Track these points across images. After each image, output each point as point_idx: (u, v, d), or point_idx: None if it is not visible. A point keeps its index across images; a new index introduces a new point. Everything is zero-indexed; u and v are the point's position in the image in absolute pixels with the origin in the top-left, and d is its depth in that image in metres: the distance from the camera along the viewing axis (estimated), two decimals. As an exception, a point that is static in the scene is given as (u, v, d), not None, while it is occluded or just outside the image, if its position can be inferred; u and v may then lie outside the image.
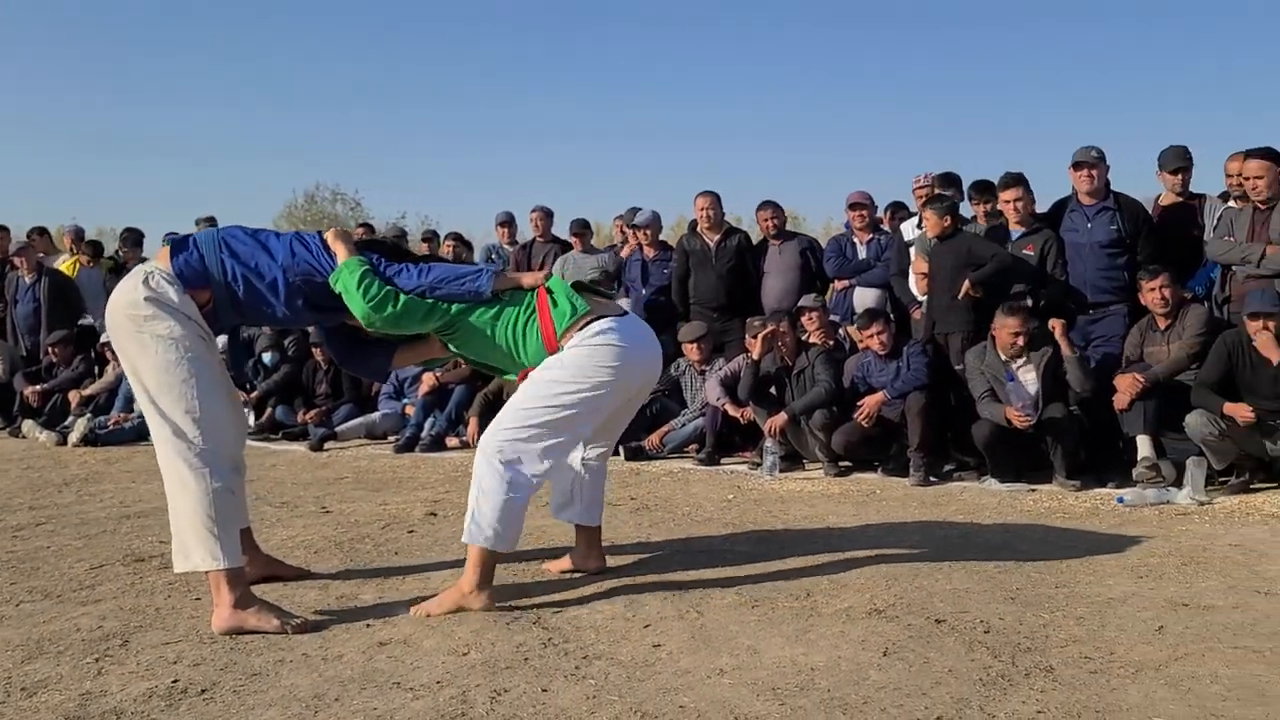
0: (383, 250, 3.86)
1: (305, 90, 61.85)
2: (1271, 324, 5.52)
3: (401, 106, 63.76)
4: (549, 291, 3.82)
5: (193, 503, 3.47)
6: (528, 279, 3.88)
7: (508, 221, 9.92)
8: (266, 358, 9.08)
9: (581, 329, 3.73)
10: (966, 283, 6.41)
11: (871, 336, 6.69)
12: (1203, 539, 4.63)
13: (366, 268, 3.65)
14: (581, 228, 9.26)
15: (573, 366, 3.70)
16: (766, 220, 8.14)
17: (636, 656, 3.18)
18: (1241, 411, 5.48)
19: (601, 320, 3.75)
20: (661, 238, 8.89)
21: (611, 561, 4.33)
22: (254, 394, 8.85)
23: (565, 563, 4.25)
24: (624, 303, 8.09)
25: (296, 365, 9.05)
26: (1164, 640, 3.26)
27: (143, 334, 3.53)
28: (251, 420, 8.73)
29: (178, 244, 3.73)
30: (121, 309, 3.59)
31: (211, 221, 9.99)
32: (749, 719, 2.69)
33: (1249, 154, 6.15)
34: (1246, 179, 6.10)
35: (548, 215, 9.43)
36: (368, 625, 3.51)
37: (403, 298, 3.66)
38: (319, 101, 62.36)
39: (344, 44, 63.17)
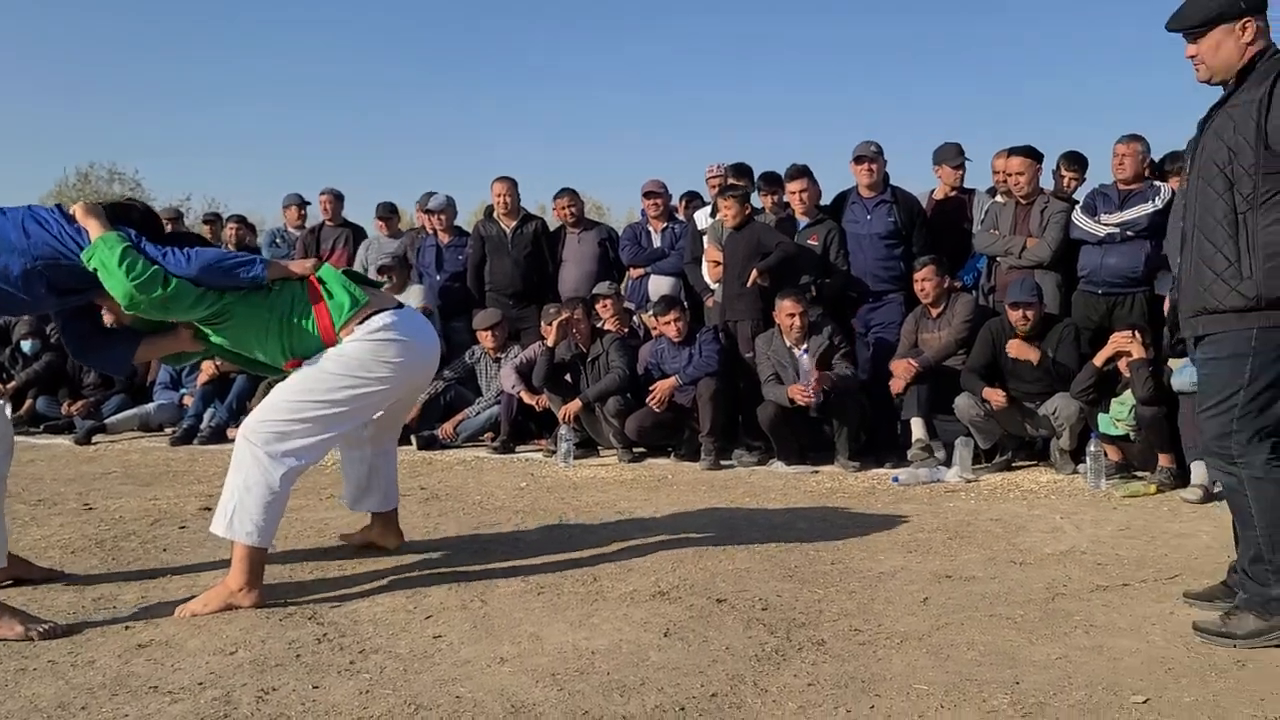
0: (136, 221, 3.58)
1: (78, 63, 57.70)
2: (1031, 313, 5.89)
3: (186, 84, 60.34)
4: (321, 282, 3.68)
5: None
6: (297, 268, 3.72)
7: (296, 204, 9.53)
8: (26, 345, 8.44)
9: (361, 322, 3.62)
10: (755, 271, 6.57)
11: (669, 323, 6.77)
12: (968, 514, 4.90)
13: (128, 244, 3.39)
14: (388, 212, 9.03)
15: (353, 361, 3.59)
16: (564, 208, 8.12)
17: (415, 648, 3.10)
18: (995, 396, 5.84)
19: (382, 314, 3.66)
20: (458, 223, 8.76)
21: (397, 553, 4.22)
22: (11, 385, 8.21)
23: (362, 538, 4.24)
24: (417, 289, 7.97)
25: (60, 353, 8.41)
26: (928, 611, 3.43)
27: None
28: (9, 412, 8.10)
29: None
30: None
31: None
32: (526, 706, 2.66)
33: (1012, 151, 6.55)
34: (1009, 175, 6.50)
35: (338, 198, 9.12)
36: (126, 628, 3.29)
37: (174, 280, 3.43)
38: (93, 76, 58.32)
39: (122, 16, 59.23)
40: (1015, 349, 5.88)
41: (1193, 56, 3.16)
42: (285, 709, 2.65)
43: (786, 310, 6.28)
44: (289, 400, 3.57)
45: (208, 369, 7.77)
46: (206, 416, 7.65)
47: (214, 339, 3.70)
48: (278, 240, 9.30)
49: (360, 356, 3.60)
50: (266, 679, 2.85)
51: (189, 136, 58.32)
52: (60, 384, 8.36)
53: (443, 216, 8.45)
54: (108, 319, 3.76)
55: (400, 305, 3.84)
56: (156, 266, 3.40)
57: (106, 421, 7.85)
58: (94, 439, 7.53)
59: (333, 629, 3.28)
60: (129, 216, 3.61)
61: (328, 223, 9.08)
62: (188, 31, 58.22)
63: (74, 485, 5.81)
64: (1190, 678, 2.80)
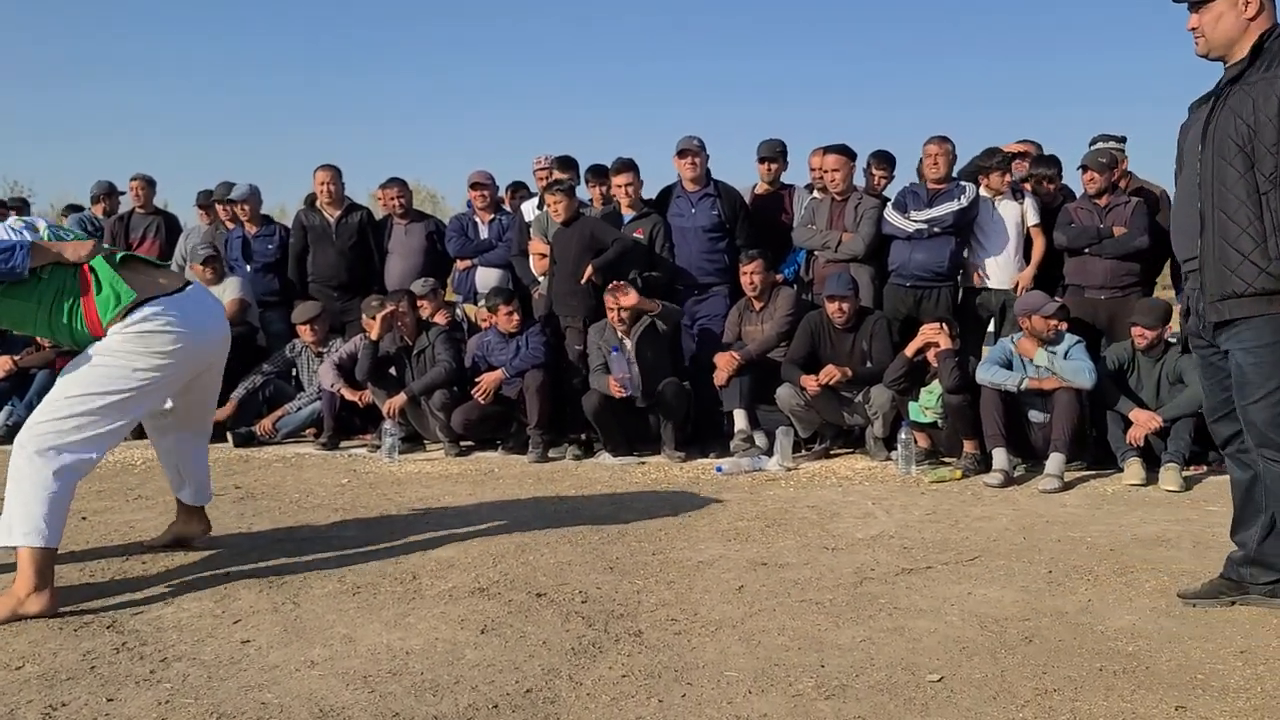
0: None
1: None
2: (847, 305, 6.11)
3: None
4: (93, 271, 3.52)
5: None
6: (70, 251, 3.53)
7: (106, 193, 9.03)
8: None
9: (124, 316, 3.49)
10: (590, 268, 6.58)
11: (505, 315, 6.70)
12: (786, 502, 5.05)
13: None
14: (208, 200, 8.65)
15: (119, 354, 3.47)
16: (392, 198, 7.96)
17: (221, 655, 3.00)
18: (810, 382, 6.03)
19: (149, 305, 3.52)
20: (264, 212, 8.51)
21: (207, 554, 4.08)
22: None
23: (168, 534, 4.16)
24: (234, 280, 7.68)
25: None
26: (743, 598, 3.52)
27: None
28: None
29: None
30: None
31: None
32: (334, 710, 2.61)
33: (827, 149, 6.77)
34: (826, 172, 6.71)
35: (150, 184, 8.70)
36: (-100, 645, 3.07)
37: None
38: None
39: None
40: (829, 376, 6.05)
41: (1194, 29, 3.15)
42: (75, 725, 2.53)
43: (611, 304, 6.33)
44: (57, 399, 3.44)
45: (4, 364, 7.29)
46: (3, 414, 7.19)
47: None
48: (88, 227, 8.79)
49: (125, 349, 3.48)
50: (56, 694, 2.71)
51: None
52: None
53: (246, 206, 8.17)
54: None
55: (183, 286, 3.70)
56: None
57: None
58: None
59: (133, 637, 3.14)
60: None
61: (139, 210, 8.64)
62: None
63: None
64: (982, 656, 2.96)
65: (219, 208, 8.52)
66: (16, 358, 7.34)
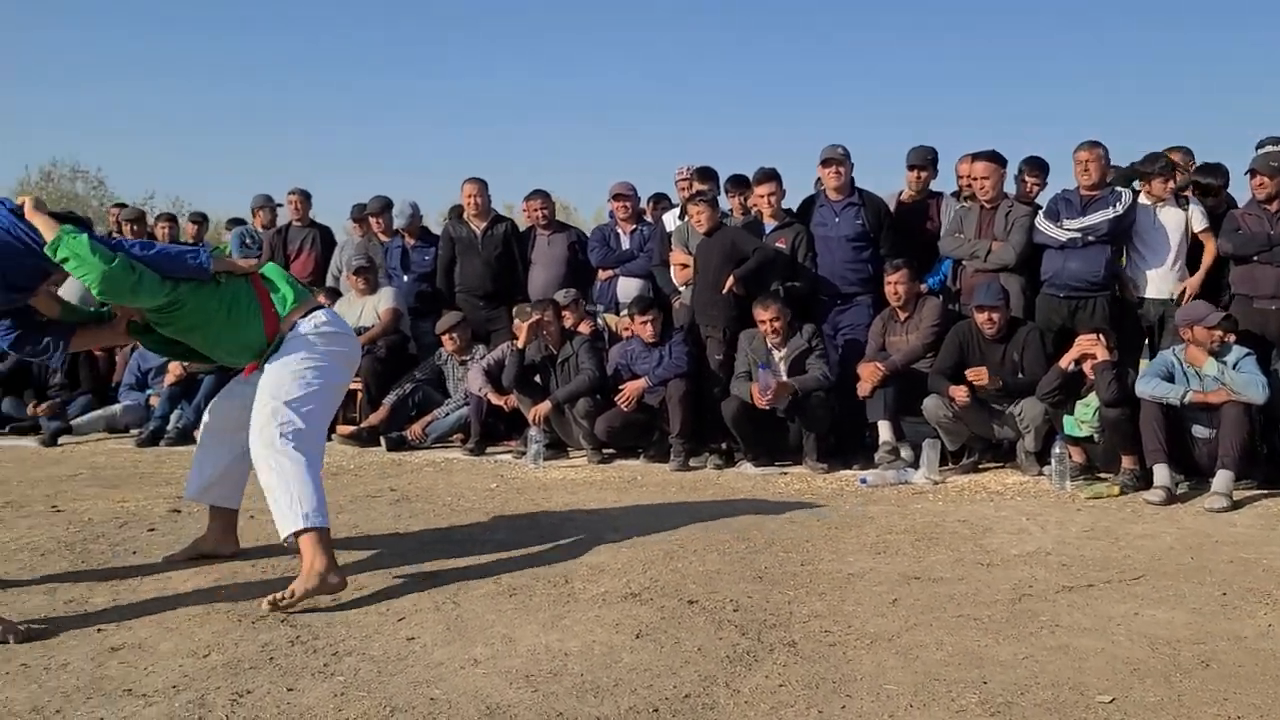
0: (77, 223, 3.67)
1: (39, 62, 56.68)
2: (997, 315, 5.97)
3: (152, 81, 59.51)
4: (264, 277, 3.87)
5: None
6: (243, 264, 3.90)
7: (265, 205, 9.47)
8: (-11, 347, 8.32)
9: (306, 315, 3.83)
10: (731, 279, 6.60)
11: (645, 324, 6.78)
12: (935, 516, 4.96)
13: (89, 236, 3.48)
14: (361, 214, 9.00)
15: (319, 350, 3.78)
16: (535, 210, 8.13)
17: (389, 650, 3.11)
18: (959, 393, 5.91)
19: (321, 310, 3.91)
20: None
21: (368, 554, 4.23)
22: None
23: (194, 549, 4.20)
24: (388, 291, 7.97)
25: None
26: (896, 612, 3.48)
27: None
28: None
29: None
30: None
31: None
32: (501, 708, 2.68)
33: (976, 156, 6.64)
34: (974, 180, 6.58)
35: (306, 198, 9.08)
36: (99, 630, 3.28)
37: (139, 267, 3.53)
38: (55, 74, 57.38)
39: (83, 12, 58.34)
40: (978, 376, 5.93)
41: None
42: (259, 712, 2.66)
43: (762, 317, 6.33)
44: (277, 397, 3.69)
45: (175, 370, 7.70)
46: (173, 418, 7.58)
47: (162, 329, 3.79)
48: (247, 240, 9.23)
49: (320, 347, 3.80)
50: (240, 681, 2.85)
51: (152, 132, 57.46)
52: (26, 385, 8.26)
53: (410, 221, 8.48)
54: (45, 307, 3.80)
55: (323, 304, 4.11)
56: (122, 254, 3.50)
57: (73, 423, 7.75)
58: (60, 440, 7.45)
59: (306, 631, 3.28)
60: (73, 219, 3.73)
61: (295, 223, 9.03)
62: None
63: (41, 487, 5.76)
64: (1155, 678, 2.86)
65: (372, 220, 8.84)
66: (186, 363, 7.75)
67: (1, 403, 8.14)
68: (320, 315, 3.88)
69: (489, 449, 7.10)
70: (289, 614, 3.43)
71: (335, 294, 8.31)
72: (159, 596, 3.61)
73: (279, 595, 3.47)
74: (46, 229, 3.45)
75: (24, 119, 52.57)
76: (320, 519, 3.59)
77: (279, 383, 3.72)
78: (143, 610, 3.45)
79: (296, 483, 3.57)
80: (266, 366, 3.77)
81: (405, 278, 8.32)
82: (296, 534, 3.55)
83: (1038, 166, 6.87)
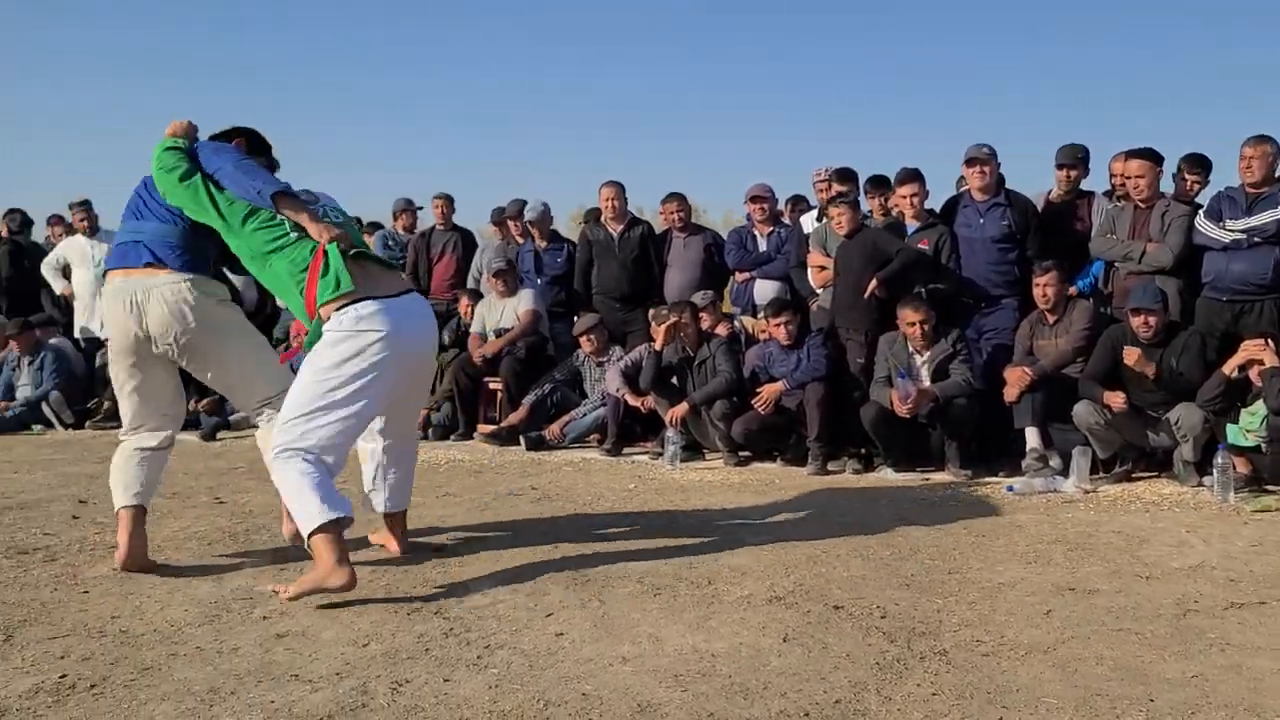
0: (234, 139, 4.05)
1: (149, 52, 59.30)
2: (1154, 319, 5.74)
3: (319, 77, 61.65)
4: (326, 254, 3.71)
5: None
6: (314, 227, 3.75)
7: (406, 209, 9.75)
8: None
9: (340, 309, 3.66)
10: (874, 282, 6.51)
11: (779, 326, 6.76)
12: (1087, 526, 4.80)
13: (173, 147, 3.94)
14: (500, 216, 9.20)
15: (338, 350, 3.64)
16: (672, 212, 8.18)
17: (539, 645, 3.17)
18: (1115, 400, 5.70)
19: (362, 304, 3.67)
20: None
21: (513, 550, 4.31)
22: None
23: (376, 538, 4.36)
24: (528, 293, 8.11)
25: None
26: (1051, 624, 3.37)
27: None
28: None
29: None
30: None
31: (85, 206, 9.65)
32: (651, 706, 2.70)
33: (1130, 154, 6.40)
34: (1128, 178, 6.34)
35: (450, 202, 9.32)
36: (264, 618, 3.43)
37: (195, 177, 3.87)
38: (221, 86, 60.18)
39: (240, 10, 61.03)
40: (1131, 357, 5.73)
41: None
42: (419, 701, 2.74)
43: (909, 319, 6.23)
44: (291, 400, 3.69)
45: None
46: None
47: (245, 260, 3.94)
48: (389, 243, 9.53)
49: (339, 344, 3.64)
50: (399, 671, 2.94)
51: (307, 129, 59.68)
52: (188, 382, 8.66)
53: (540, 225, 8.62)
54: None
55: (402, 291, 3.88)
56: (183, 165, 3.88)
57: (231, 418, 8.13)
58: (218, 435, 7.82)
59: (458, 624, 3.37)
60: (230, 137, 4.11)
61: (439, 227, 9.27)
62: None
63: (204, 480, 6.05)
64: (1336, 701, 2.71)
65: (510, 224, 9.02)
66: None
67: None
68: (360, 309, 3.65)
69: (625, 450, 7.16)
70: (285, 603, 3.54)
71: (477, 295, 8.50)
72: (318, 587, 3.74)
73: (282, 586, 3.60)
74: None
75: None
76: (330, 512, 3.52)
77: (296, 389, 3.68)
78: (304, 600, 3.58)
79: (302, 492, 3.53)
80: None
81: (538, 280, 8.47)
82: (306, 535, 3.55)
83: (1198, 164, 6.58)
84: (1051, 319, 6.32)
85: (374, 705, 2.70)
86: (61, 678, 2.88)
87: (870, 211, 7.28)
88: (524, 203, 8.88)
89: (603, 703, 2.72)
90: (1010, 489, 5.61)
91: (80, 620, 3.39)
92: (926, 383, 6.15)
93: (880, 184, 7.25)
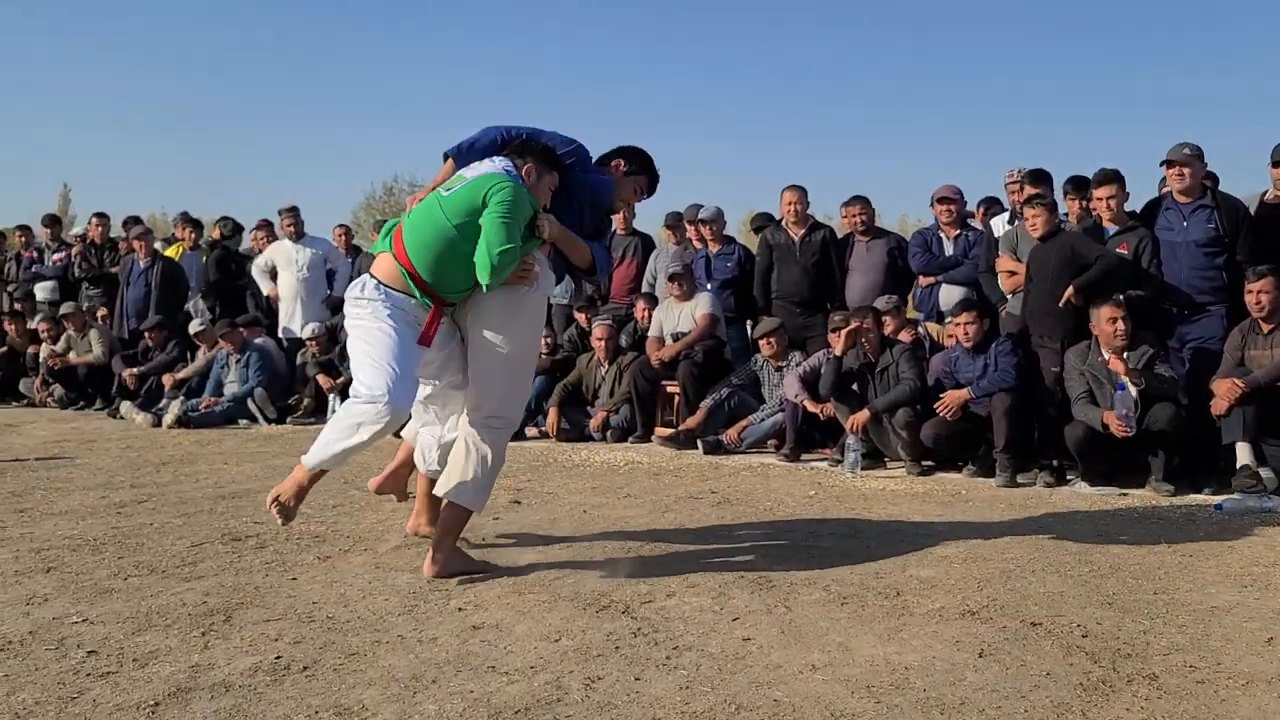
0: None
1: (389, 81, 62.28)
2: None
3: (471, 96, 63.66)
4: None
5: None
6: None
7: None
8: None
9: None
10: (1070, 289, 6.25)
11: (961, 325, 6.57)
12: (1308, 549, 4.48)
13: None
14: (675, 220, 9.29)
15: (351, 314, 3.95)
16: (854, 216, 8.07)
17: (727, 649, 3.17)
18: None
19: (364, 276, 4.04)
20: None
21: (696, 551, 4.34)
22: (340, 380, 8.99)
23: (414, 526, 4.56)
24: (705, 296, 8.14)
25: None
26: (1274, 653, 3.16)
27: None
28: (338, 405, 8.89)
29: None
30: None
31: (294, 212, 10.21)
32: (844, 715, 2.67)
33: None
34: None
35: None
36: (459, 610, 3.55)
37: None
38: (400, 97, 62.82)
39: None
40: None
41: None
42: (611, 698, 2.78)
43: (1108, 314, 5.94)
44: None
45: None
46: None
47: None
48: None
49: (350, 310, 4.00)
50: (591, 668, 3.00)
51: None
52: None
53: (712, 226, 8.62)
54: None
55: None
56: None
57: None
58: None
59: (645, 624, 3.40)
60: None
61: (619, 231, 9.41)
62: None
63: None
64: None
65: (688, 227, 9.07)
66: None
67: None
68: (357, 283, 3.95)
69: (804, 456, 7.10)
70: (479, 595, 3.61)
71: (653, 299, 8.59)
72: (510, 581, 3.85)
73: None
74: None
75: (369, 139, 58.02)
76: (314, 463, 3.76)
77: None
78: (496, 594, 3.70)
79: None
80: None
81: (709, 285, 8.48)
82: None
83: None
84: (1267, 328, 5.93)
85: (568, 700, 2.76)
86: (277, 659, 3.05)
87: (1067, 214, 6.99)
88: (699, 206, 8.92)
89: (795, 710, 2.70)
90: (1219, 508, 5.29)
91: (290, 605, 3.58)
92: (1133, 393, 5.81)
93: (1080, 185, 6.95)
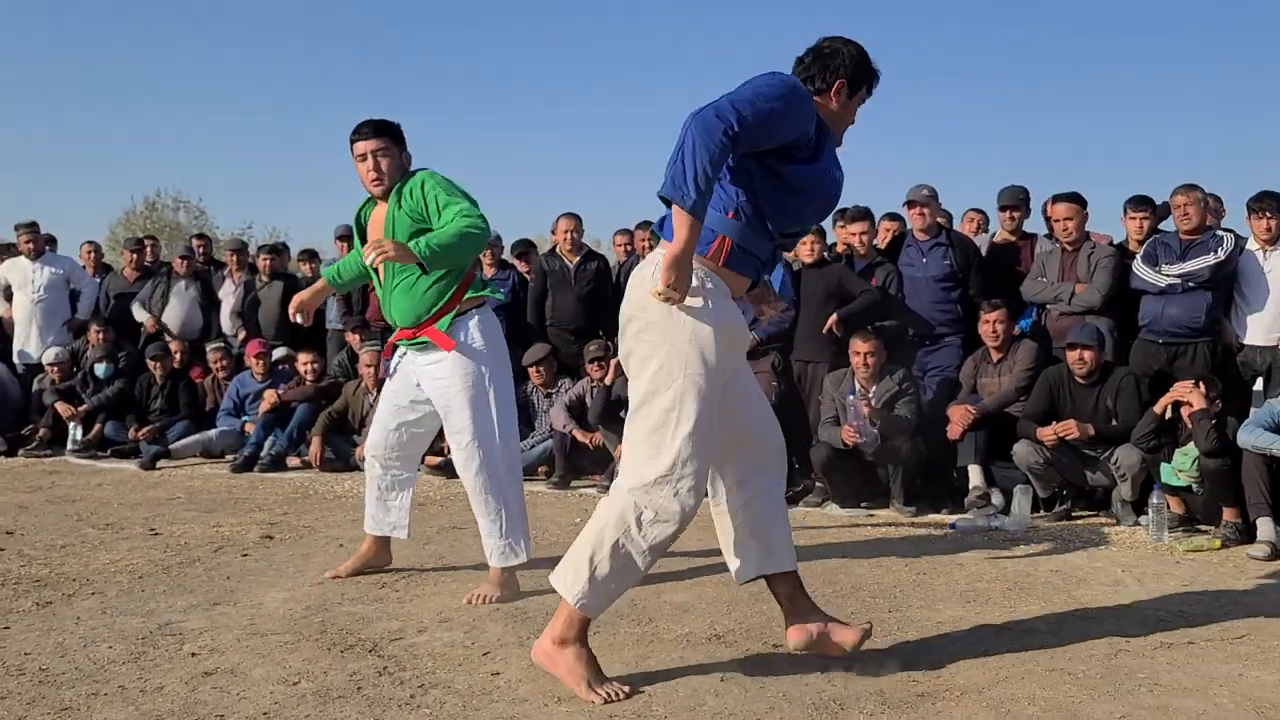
0: None
1: (135, 94, 58.42)
2: (1089, 355, 5.84)
3: (243, 113, 61.03)
4: None
5: None
6: None
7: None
8: (99, 369, 8.64)
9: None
10: (833, 318, 6.58)
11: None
12: (1027, 565, 4.84)
13: None
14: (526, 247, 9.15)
15: None
16: (644, 241, 8.14)
17: (474, 685, 3.13)
18: (1047, 434, 5.78)
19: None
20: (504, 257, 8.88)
21: (454, 586, 4.27)
22: (82, 409, 8.41)
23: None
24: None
25: (130, 379, 8.64)
26: (988, 664, 3.39)
27: None
28: (79, 436, 8.31)
29: None
30: None
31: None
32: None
33: (1057, 198, 6.55)
34: (1056, 221, 6.48)
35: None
36: (193, 654, 3.36)
37: None
38: (151, 106, 59.03)
39: (179, 45, 60.05)
40: (1059, 429, 5.80)
41: None
42: (347, 742, 2.69)
43: (857, 349, 6.27)
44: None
45: (269, 398, 7.91)
46: (267, 444, 7.77)
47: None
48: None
49: None
50: (329, 710, 2.89)
51: (246, 163, 58.95)
52: (128, 410, 8.54)
53: (488, 251, 8.55)
54: None
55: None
56: None
57: (171, 447, 8.00)
58: (158, 464, 7.69)
59: (393, 662, 3.32)
60: None
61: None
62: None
63: (140, 510, 5.94)
64: (1259, 742, 2.75)
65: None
66: (280, 391, 7.96)
67: (105, 426, 8.43)
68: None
69: (574, 483, 7.13)
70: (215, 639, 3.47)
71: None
72: (252, 622, 3.68)
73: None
74: None
75: (128, 149, 54.66)
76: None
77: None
78: (235, 636, 3.53)
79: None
80: None
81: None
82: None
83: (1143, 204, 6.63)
84: (996, 357, 6.41)
85: (301, 747, 2.65)
86: (-24, 718, 2.81)
87: (835, 244, 7.35)
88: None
89: (535, 744, 2.69)
90: (953, 527, 5.65)
91: None
92: (864, 409, 6.14)
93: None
